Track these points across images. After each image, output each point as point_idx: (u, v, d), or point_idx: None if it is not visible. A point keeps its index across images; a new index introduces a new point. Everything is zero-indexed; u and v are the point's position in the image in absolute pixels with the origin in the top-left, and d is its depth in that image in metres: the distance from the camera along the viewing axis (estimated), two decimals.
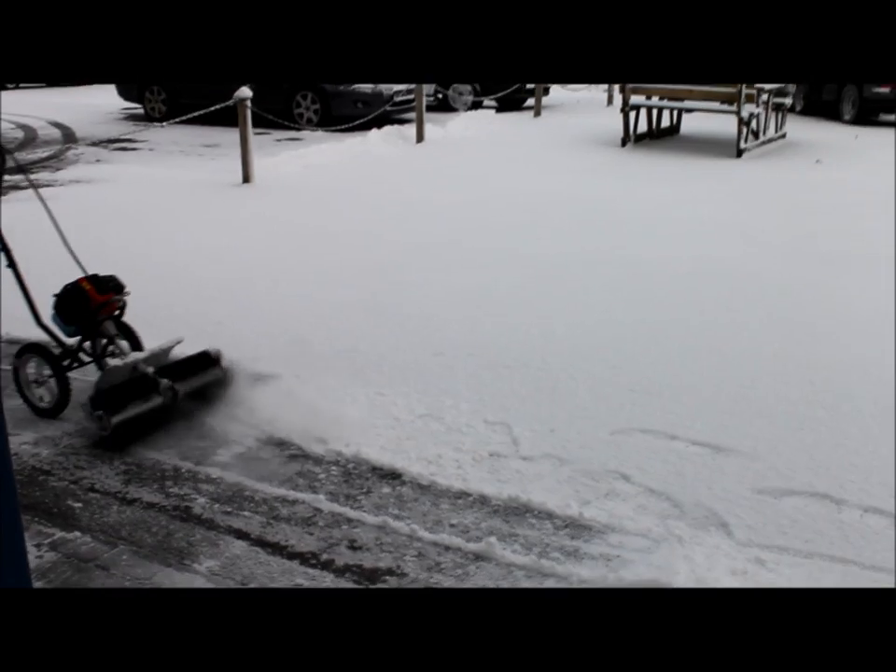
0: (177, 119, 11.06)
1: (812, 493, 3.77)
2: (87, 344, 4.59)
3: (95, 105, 19.63)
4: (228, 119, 11.96)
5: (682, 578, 3.13)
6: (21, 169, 4.36)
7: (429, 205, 9.02)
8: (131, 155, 13.07)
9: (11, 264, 4.39)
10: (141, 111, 17.78)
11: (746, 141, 12.54)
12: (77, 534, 3.52)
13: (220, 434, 4.27)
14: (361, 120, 13.88)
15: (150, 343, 4.63)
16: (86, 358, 4.60)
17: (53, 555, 3.37)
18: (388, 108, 15.20)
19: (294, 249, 7.41)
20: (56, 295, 4.49)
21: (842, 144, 13.51)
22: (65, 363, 4.51)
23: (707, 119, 14.08)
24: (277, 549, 3.43)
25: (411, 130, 13.75)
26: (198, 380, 4.48)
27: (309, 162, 11.44)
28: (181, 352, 4.69)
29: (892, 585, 3.21)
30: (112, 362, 4.42)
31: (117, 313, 4.58)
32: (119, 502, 3.76)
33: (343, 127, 13.59)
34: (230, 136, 12.42)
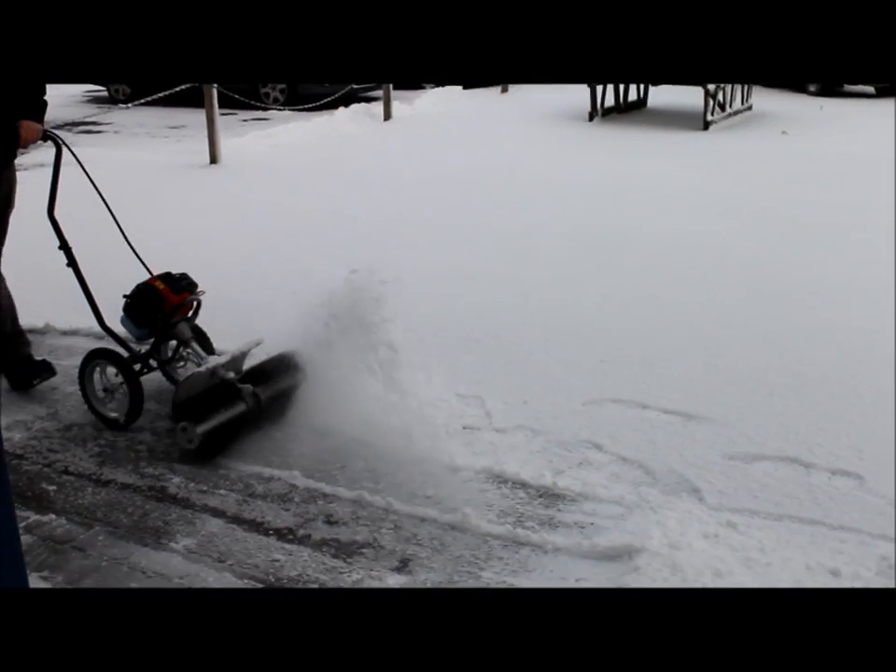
0: (142, 101, 10.95)
1: (781, 457, 3.83)
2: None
3: (58, 87, 19.40)
4: (193, 99, 11.87)
5: (656, 542, 3.18)
6: (76, 158, 4.18)
7: (399, 182, 9.01)
8: (96, 138, 12.93)
9: (71, 263, 4.21)
10: (104, 93, 17.61)
11: (712, 113, 12.59)
12: (52, 516, 3.52)
13: None
14: (328, 99, 13.80)
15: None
16: (154, 364, 4.34)
17: (29, 538, 3.36)
18: (355, 87, 15.12)
19: (264, 229, 7.38)
20: (127, 296, 4.21)
21: (807, 115, 13.59)
22: (136, 368, 4.22)
23: (673, 93, 14.11)
24: (254, 525, 3.44)
25: (378, 107, 13.68)
26: (279, 384, 4.09)
27: (277, 142, 11.38)
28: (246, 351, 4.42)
29: (859, 545, 3.28)
30: (190, 368, 4.18)
31: (190, 314, 4.30)
32: (94, 484, 3.76)
33: (309, 106, 13.52)
34: (196, 117, 12.33)
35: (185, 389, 3.91)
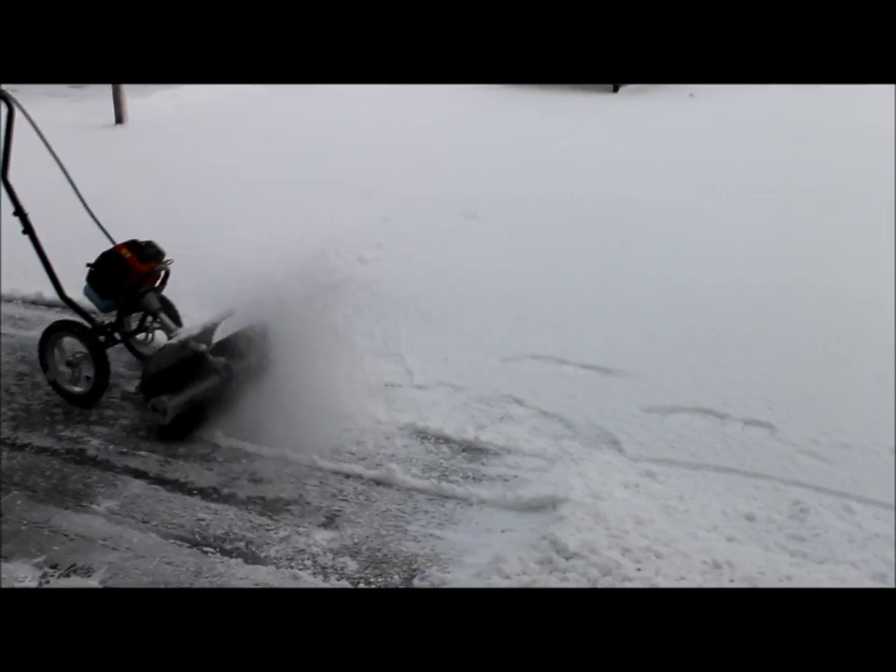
0: None
1: (696, 409, 3.93)
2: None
3: None
4: None
5: (578, 493, 3.24)
6: (28, 118, 3.96)
7: (310, 142, 8.90)
8: None
9: (28, 230, 3.94)
10: None
11: None
12: None
13: (113, 375, 4.18)
14: None
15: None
16: (118, 336, 4.09)
17: None
18: None
19: (172, 190, 7.23)
20: (91, 265, 3.96)
21: None
22: (101, 341, 3.96)
23: None
24: (177, 485, 3.41)
25: None
26: (249, 357, 3.81)
27: (183, 101, 11.13)
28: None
29: (772, 490, 3.39)
30: (158, 340, 4.02)
31: (157, 284, 4.05)
32: (9, 448, 3.67)
33: None
34: None
35: (155, 363, 3.68)
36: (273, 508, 3.27)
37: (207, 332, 3.92)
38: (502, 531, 3.14)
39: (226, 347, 3.83)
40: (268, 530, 3.14)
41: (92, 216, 4.08)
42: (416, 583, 2.86)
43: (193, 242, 4.85)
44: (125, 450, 3.65)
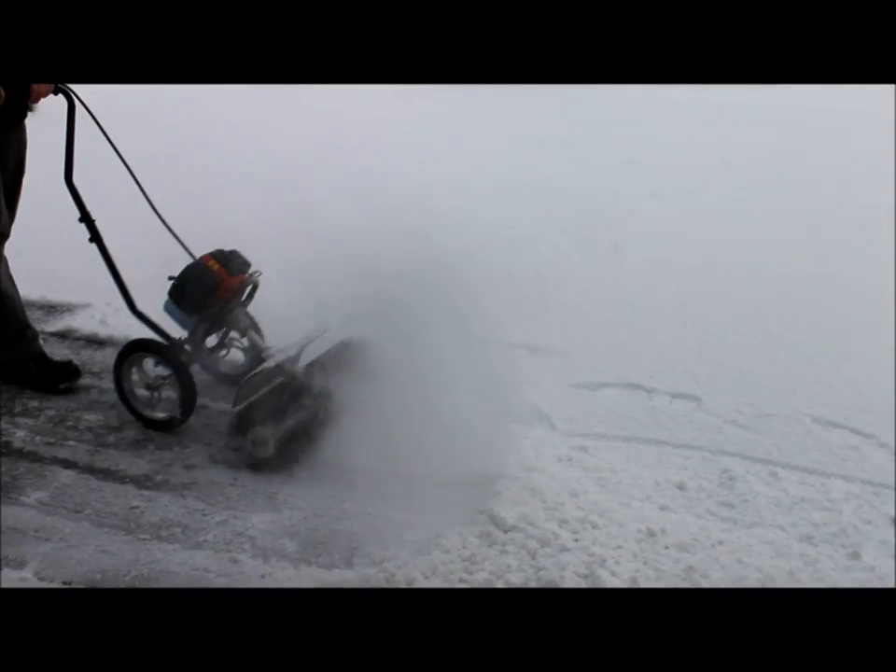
0: None
1: (625, 384, 4.01)
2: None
3: None
4: None
5: (513, 468, 3.27)
6: (91, 114, 3.57)
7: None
8: None
9: (95, 238, 3.57)
10: None
11: None
12: None
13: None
14: None
15: None
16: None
17: None
18: None
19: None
20: (175, 277, 3.56)
21: None
22: (184, 360, 3.58)
23: None
24: (109, 474, 3.36)
25: None
26: (345, 377, 3.40)
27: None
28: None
29: (701, 461, 3.47)
30: (234, 358, 3.80)
31: (244, 298, 3.70)
32: None
33: None
34: None
35: (248, 389, 3.36)
36: (207, 492, 3.24)
37: (300, 352, 3.54)
38: (438, 507, 3.16)
39: (321, 367, 3.49)
40: (205, 515, 3.12)
41: (164, 222, 3.73)
42: (356, 561, 2.87)
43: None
44: (52, 441, 3.57)
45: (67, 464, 3.43)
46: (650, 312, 4.68)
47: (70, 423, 3.70)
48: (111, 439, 3.59)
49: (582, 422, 3.71)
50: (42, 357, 3.99)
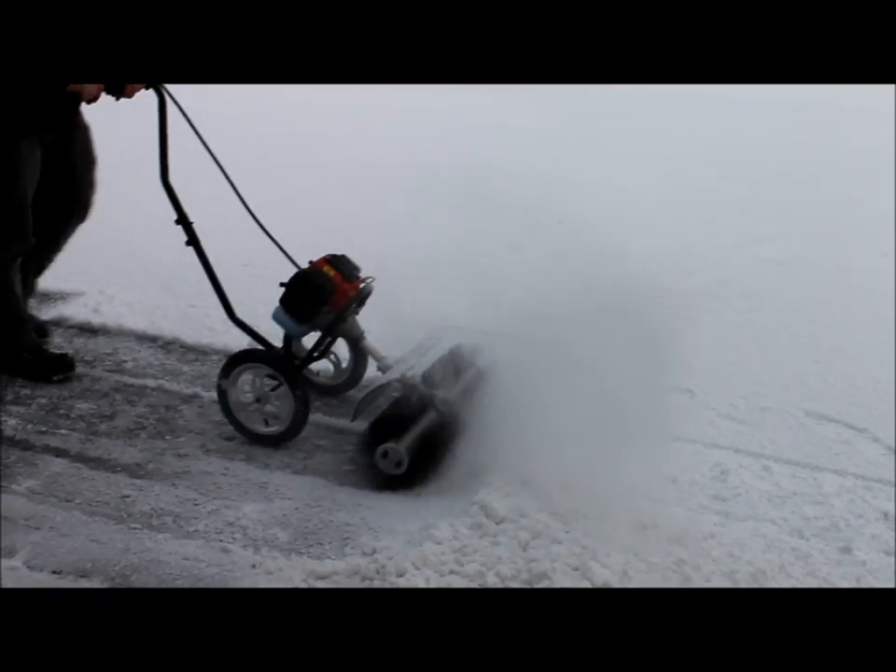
0: None
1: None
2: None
3: None
4: None
5: (506, 459, 3.26)
6: (181, 111, 3.36)
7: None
8: None
9: (192, 241, 3.43)
10: None
11: None
12: None
13: None
14: None
15: None
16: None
17: None
18: None
19: None
20: (288, 284, 3.41)
21: None
22: (299, 372, 3.47)
23: None
24: (100, 462, 3.35)
25: None
26: (462, 385, 3.39)
27: None
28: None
29: (694, 454, 3.48)
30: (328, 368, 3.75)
31: (355, 305, 3.53)
32: None
33: None
34: None
35: (369, 401, 3.30)
36: (199, 482, 3.24)
37: (420, 361, 3.41)
38: (430, 498, 3.16)
39: (438, 376, 3.38)
40: (196, 504, 3.11)
41: (263, 228, 3.56)
42: (347, 551, 2.87)
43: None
44: (44, 429, 3.56)
45: (59, 452, 3.41)
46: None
47: (62, 411, 3.69)
48: (103, 427, 3.58)
49: None
50: (38, 347, 3.98)
